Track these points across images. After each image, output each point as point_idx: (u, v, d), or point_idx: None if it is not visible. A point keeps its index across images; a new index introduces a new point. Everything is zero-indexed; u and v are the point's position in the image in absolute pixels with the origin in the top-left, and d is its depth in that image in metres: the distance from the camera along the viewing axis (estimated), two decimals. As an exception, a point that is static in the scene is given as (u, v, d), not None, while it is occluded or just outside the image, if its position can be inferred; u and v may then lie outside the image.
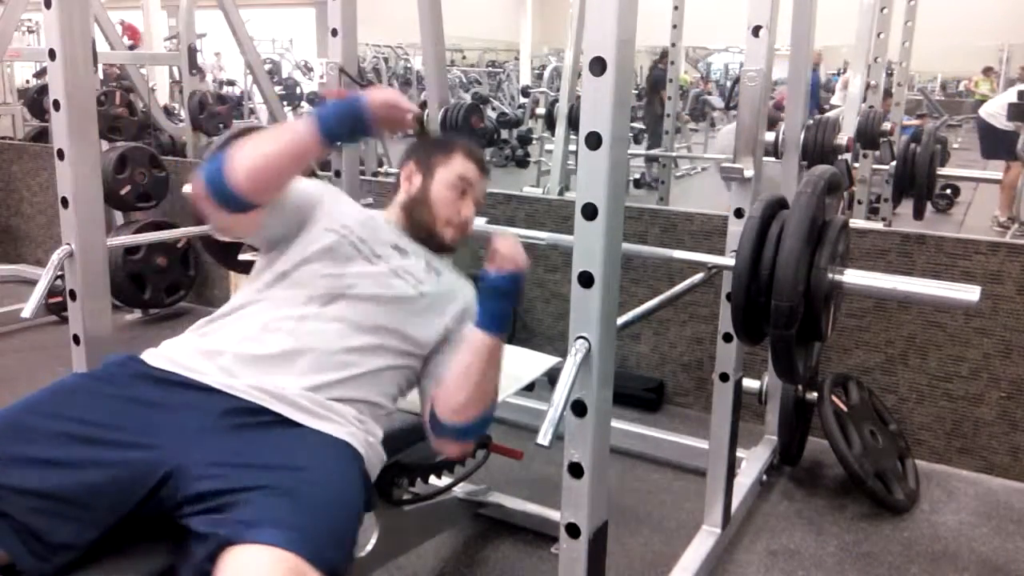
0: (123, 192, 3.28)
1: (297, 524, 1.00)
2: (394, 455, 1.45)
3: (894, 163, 3.83)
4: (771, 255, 1.41)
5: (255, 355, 1.23)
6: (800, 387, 2.27)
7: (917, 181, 3.51)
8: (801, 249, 1.36)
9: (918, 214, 3.72)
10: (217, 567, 0.96)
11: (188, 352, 1.25)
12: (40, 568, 1.02)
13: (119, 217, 3.67)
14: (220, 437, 1.13)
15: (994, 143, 5.77)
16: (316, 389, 1.22)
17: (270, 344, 1.24)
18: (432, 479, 1.59)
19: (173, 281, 3.57)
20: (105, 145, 3.66)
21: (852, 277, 1.47)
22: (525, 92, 10.09)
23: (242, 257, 2.24)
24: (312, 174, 1.92)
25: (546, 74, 8.87)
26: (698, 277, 1.67)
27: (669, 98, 5.11)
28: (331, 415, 1.22)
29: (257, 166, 1.21)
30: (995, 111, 5.71)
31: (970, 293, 1.39)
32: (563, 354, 1.15)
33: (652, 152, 6.40)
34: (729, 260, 1.58)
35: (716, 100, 9.73)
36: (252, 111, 8.22)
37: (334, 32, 2.22)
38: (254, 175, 1.21)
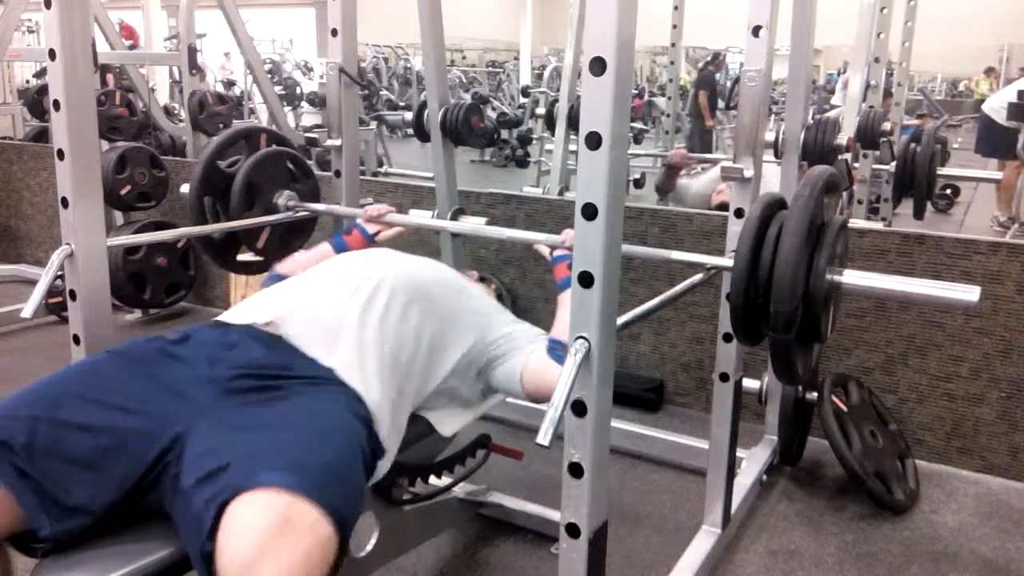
0: (123, 192, 3.28)
1: (294, 466, 1.04)
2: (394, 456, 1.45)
3: (894, 163, 3.83)
4: (770, 256, 1.40)
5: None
6: (800, 387, 2.27)
7: (917, 181, 3.50)
8: (799, 252, 1.35)
9: (918, 213, 3.71)
10: (221, 524, 0.99)
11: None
12: (53, 531, 1.08)
13: (119, 217, 3.67)
14: (226, 403, 1.22)
15: (993, 140, 5.76)
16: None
17: None
18: (432, 479, 1.59)
19: (173, 281, 3.57)
20: (105, 145, 3.66)
21: (851, 278, 1.47)
22: (525, 92, 10.09)
23: (241, 258, 2.24)
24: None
25: (546, 74, 8.87)
26: (698, 277, 1.67)
27: (669, 98, 5.12)
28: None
29: None
30: (998, 106, 5.68)
31: (970, 293, 1.38)
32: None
33: (652, 152, 6.41)
34: (728, 261, 1.58)
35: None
36: (252, 111, 8.22)
37: (334, 32, 2.22)
38: None
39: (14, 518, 1.09)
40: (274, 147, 2.18)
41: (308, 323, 1.42)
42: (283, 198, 2.16)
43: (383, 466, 1.35)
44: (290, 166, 2.23)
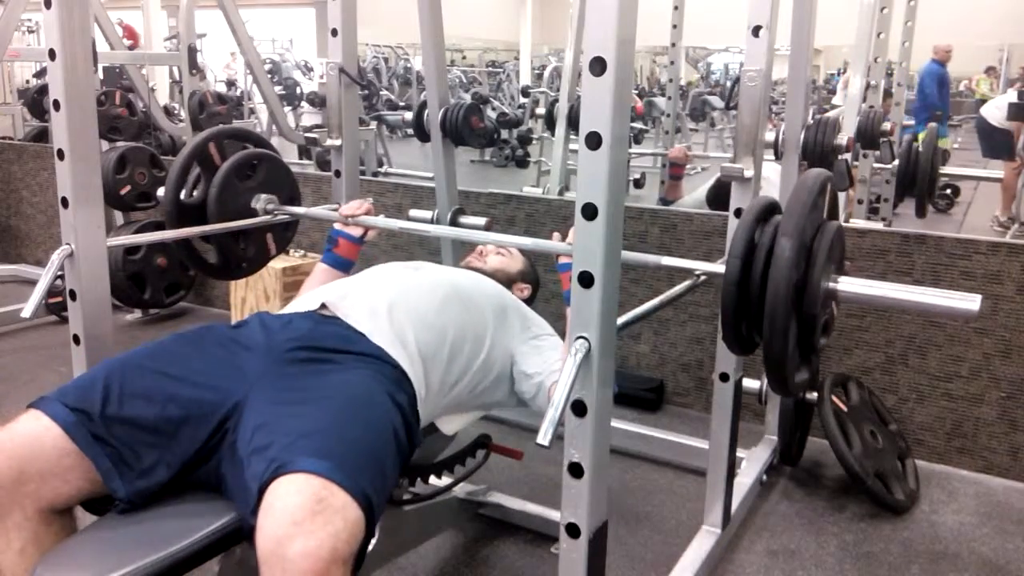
0: (123, 192, 3.27)
1: (331, 452, 1.12)
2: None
3: (896, 163, 3.84)
4: (762, 264, 1.35)
5: None
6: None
7: (920, 179, 3.52)
8: (792, 265, 1.29)
9: (920, 211, 3.73)
10: (262, 500, 1.07)
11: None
12: (127, 492, 1.20)
13: (119, 217, 3.67)
14: (280, 372, 1.33)
15: (992, 143, 5.80)
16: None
17: None
18: (432, 479, 1.59)
19: (173, 281, 3.57)
20: (105, 145, 3.66)
21: (847, 285, 1.41)
22: (525, 92, 10.08)
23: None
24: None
25: (546, 74, 8.86)
26: (678, 289, 1.66)
27: (669, 98, 5.12)
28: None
29: None
30: (992, 111, 5.76)
31: (970, 302, 1.30)
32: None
33: (653, 151, 6.41)
34: (719, 268, 1.51)
35: (716, 100, 9.70)
36: (252, 111, 8.21)
37: (334, 32, 2.22)
38: None
39: (91, 481, 1.20)
40: (231, 160, 2.03)
41: (359, 305, 1.52)
42: (261, 202, 2.06)
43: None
44: (269, 168, 2.11)
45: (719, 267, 1.49)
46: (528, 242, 1.80)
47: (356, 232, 1.94)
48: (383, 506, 1.18)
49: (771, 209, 1.45)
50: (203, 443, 1.25)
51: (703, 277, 1.65)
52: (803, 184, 1.38)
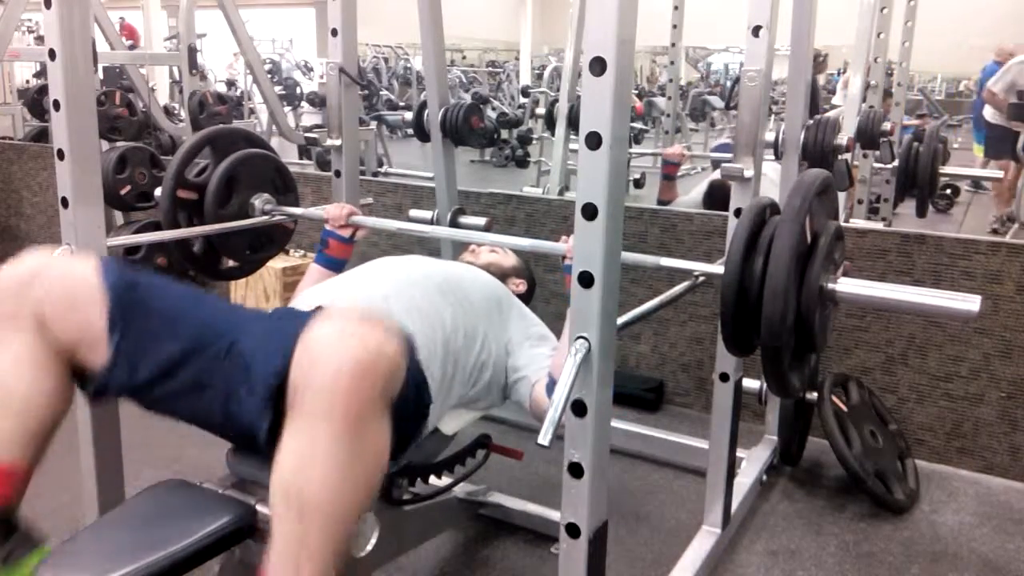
0: (123, 192, 3.26)
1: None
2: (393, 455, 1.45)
3: (896, 163, 3.83)
4: (761, 264, 1.35)
5: None
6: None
7: (920, 179, 3.51)
8: (790, 267, 1.29)
9: (921, 211, 3.70)
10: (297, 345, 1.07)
11: None
12: (113, 377, 1.23)
13: (119, 217, 3.67)
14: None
15: (992, 141, 5.78)
16: None
17: None
18: (432, 479, 1.59)
19: (173, 281, 3.56)
20: (105, 145, 3.66)
21: (846, 286, 1.40)
22: (525, 92, 10.08)
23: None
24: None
25: (546, 74, 8.86)
26: (676, 290, 1.66)
27: (669, 98, 5.12)
28: None
29: None
30: (992, 110, 5.72)
31: (970, 303, 1.30)
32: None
33: (653, 151, 6.41)
34: (718, 269, 1.52)
35: (716, 100, 9.71)
36: (252, 111, 8.21)
37: (334, 32, 2.22)
38: None
39: (88, 334, 1.23)
40: (246, 150, 2.08)
41: (357, 304, 1.53)
42: (260, 201, 2.08)
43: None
44: (265, 167, 2.13)
45: (718, 268, 1.49)
46: (527, 243, 1.80)
47: (346, 233, 1.94)
48: (418, 370, 1.23)
49: (770, 210, 1.44)
50: (202, 366, 1.26)
51: (702, 278, 1.66)
52: (801, 185, 1.38)
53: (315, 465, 1.02)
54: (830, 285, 1.39)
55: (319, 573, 1.04)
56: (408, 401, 1.27)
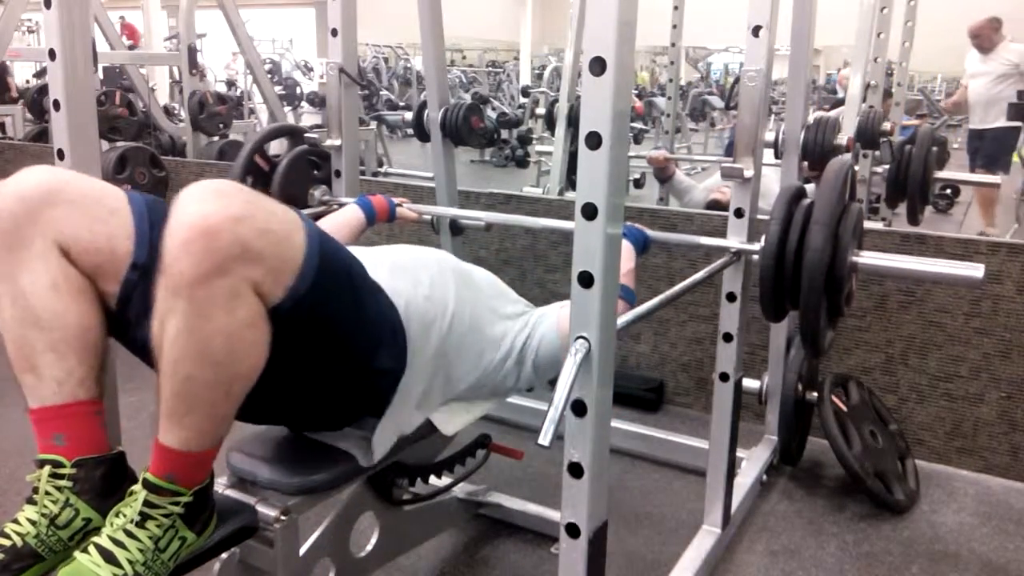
0: (123, 192, 3.28)
1: None
2: (394, 455, 1.45)
3: (885, 166, 3.69)
4: (796, 241, 1.58)
5: None
6: (800, 387, 2.27)
7: (911, 184, 3.31)
8: (831, 223, 1.53)
9: (912, 218, 3.47)
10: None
11: None
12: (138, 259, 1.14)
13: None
14: None
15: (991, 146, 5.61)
16: None
17: None
18: (432, 479, 1.59)
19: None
20: (105, 145, 3.66)
21: (866, 259, 1.64)
22: (525, 92, 10.09)
23: None
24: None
25: (546, 74, 8.87)
26: (698, 276, 1.67)
27: (669, 98, 5.12)
28: None
29: None
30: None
31: (974, 270, 1.53)
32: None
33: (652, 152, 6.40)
34: (754, 245, 1.75)
35: (716, 100, 9.71)
36: (252, 111, 8.22)
37: (334, 32, 2.22)
38: None
39: (111, 252, 1.13)
40: (306, 147, 2.29)
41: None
42: (319, 191, 2.27)
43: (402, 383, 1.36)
44: (325, 165, 2.34)
45: (754, 245, 1.75)
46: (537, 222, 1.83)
47: (395, 200, 2.08)
48: (328, 255, 1.12)
49: (800, 193, 1.70)
50: None
51: (736, 258, 1.80)
52: (831, 171, 1.61)
53: (162, 326, 0.99)
54: (853, 258, 1.61)
55: (180, 438, 1.03)
56: (354, 323, 1.23)
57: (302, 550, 1.36)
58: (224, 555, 1.27)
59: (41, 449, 1.09)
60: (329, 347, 1.22)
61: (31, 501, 1.07)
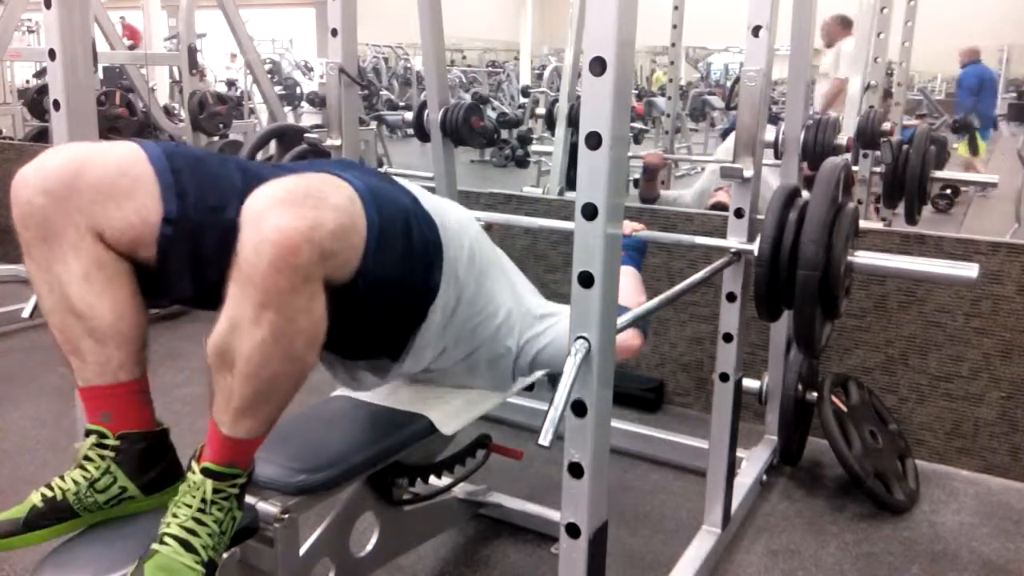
0: (123, 192, 3.28)
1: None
2: (394, 455, 1.45)
3: (883, 166, 3.66)
4: (791, 241, 1.58)
5: None
6: (800, 387, 2.27)
7: (908, 186, 3.29)
8: (825, 220, 1.53)
9: (910, 218, 3.44)
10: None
11: None
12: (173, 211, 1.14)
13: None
14: None
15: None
16: None
17: None
18: (432, 479, 1.59)
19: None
20: (105, 145, 3.65)
21: (862, 258, 1.65)
22: (525, 92, 10.08)
23: None
24: None
25: (546, 74, 8.86)
26: (698, 277, 1.67)
27: (669, 98, 5.12)
28: None
29: None
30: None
31: (968, 270, 1.55)
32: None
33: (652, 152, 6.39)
34: (751, 246, 1.73)
35: (716, 100, 9.70)
36: (252, 111, 8.21)
37: (334, 32, 2.22)
38: None
39: (142, 218, 1.12)
40: (304, 145, 2.32)
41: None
42: None
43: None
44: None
45: (751, 244, 1.73)
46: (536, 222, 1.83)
47: None
48: (388, 217, 1.17)
49: (795, 193, 1.69)
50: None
51: (734, 258, 1.80)
52: (825, 171, 1.60)
53: (242, 333, 1.01)
54: (848, 257, 1.61)
55: (249, 428, 1.09)
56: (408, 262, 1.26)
57: (302, 550, 1.36)
58: (224, 555, 1.27)
59: (90, 420, 1.16)
60: (382, 287, 1.23)
61: (80, 467, 1.15)
